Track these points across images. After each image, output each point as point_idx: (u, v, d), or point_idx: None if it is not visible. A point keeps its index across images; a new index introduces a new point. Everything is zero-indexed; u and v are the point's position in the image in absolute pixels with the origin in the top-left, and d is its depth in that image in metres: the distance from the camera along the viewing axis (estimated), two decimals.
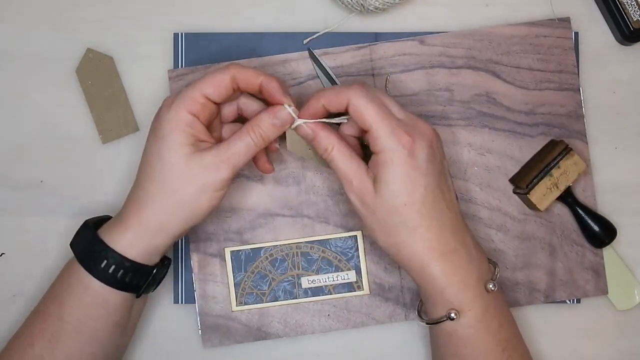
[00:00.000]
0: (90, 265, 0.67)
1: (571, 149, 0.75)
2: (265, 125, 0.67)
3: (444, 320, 0.66)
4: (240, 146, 0.66)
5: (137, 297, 0.70)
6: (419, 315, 0.71)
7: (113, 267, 0.66)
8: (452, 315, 0.65)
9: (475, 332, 0.66)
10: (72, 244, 0.69)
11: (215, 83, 0.67)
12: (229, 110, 0.71)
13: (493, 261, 0.69)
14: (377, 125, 0.64)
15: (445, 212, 0.66)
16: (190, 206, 0.66)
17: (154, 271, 0.69)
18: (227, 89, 0.67)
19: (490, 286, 0.66)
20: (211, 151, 0.66)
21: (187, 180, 0.65)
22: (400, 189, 0.64)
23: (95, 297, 0.67)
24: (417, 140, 0.64)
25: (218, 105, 0.69)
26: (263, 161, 0.72)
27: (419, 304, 0.71)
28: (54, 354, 0.67)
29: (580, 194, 0.77)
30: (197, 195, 0.66)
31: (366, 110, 0.64)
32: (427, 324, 0.68)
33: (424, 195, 0.64)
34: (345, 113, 0.67)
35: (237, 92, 0.69)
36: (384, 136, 0.64)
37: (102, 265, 0.66)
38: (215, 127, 0.71)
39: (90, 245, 0.67)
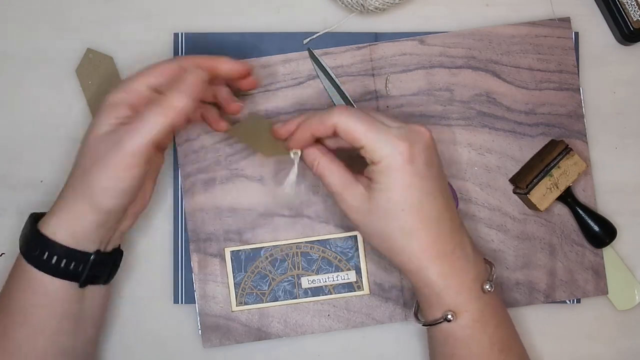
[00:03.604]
0: (28, 253, 0.66)
1: (571, 149, 0.75)
2: (190, 84, 0.65)
3: (440, 322, 0.66)
4: (152, 112, 0.64)
5: (81, 286, 0.68)
6: (416, 316, 0.71)
7: (46, 253, 0.65)
8: (449, 316, 0.65)
9: (472, 333, 0.66)
10: (19, 238, 0.69)
11: (161, 72, 0.67)
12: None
13: (489, 261, 0.69)
14: (370, 138, 0.63)
15: (443, 214, 0.65)
16: (108, 183, 0.65)
17: (91, 257, 0.67)
18: (168, 76, 0.67)
19: (487, 287, 0.66)
20: (125, 126, 0.65)
21: (95, 156, 0.65)
22: (400, 195, 0.64)
23: (36, 285, 0.66)
24: (415, 144, 0.64)
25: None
26: (216, 121, 0.73)
27: (415, 305, 0.71)
28: (5, 347, 0.66)
29: (580, 194, 0.77)
30: (111, 170, 0.64)
31: (355, 127, 0.64)
32: (423, 325, 0.68)
33: (423, 200, 0.64)
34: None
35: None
36: (379, 146, 0.63)
37: (37, 252, 0.66)
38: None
39: (27, 234, 0.67)
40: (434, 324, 0.66)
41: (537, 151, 0.78)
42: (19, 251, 0.68)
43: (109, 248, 0.70)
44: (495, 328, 0.67)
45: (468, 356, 0.66)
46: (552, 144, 0.77)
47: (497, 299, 0.68)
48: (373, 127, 0.64)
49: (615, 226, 0.76)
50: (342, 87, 0.77)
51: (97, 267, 0.68)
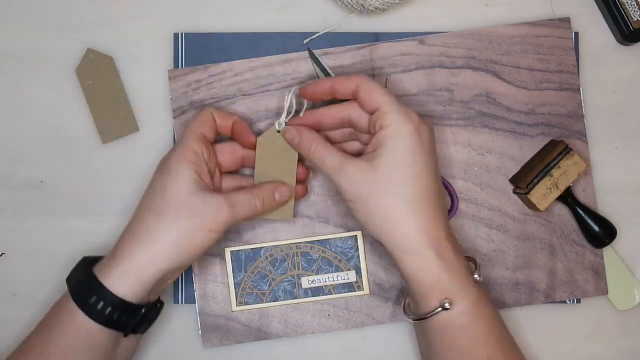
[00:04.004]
0: (80, 300, 0.66)
1: (571, 149, 0.75)
2: (269, 197, 0.71)
3: (437, 312, 0.65)
4: (245, 200, 0.69)
5: (125, 336, 0.68)
6: (405, 312, 0.70)
7: (102, 303, 0.65)
8: (447, 304, 0.64)
9: (470, 320, 0.65)
10: (67, 279, 0.69)
11: (204, 121, 0.71)
12: (227, 160, 0.74)
13: (471, 257, 0.71)
14: (386, 102, 0.66)
15: (439, 199, 0.67)
16: (184, 241, 0.66)
17: (143, 311, 0.68)
18: (214, 126, 0.71)
19: (476, 276, 0.67)
20: (215, 193, 0.68)
21: (186, 213, 0.66)
22: (403, 159, 0.65)
23: (81, 330, 0.66)
24: (422, 123, 0.67)
25: (212, 147, 0.72)
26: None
27: (404, 300, 0.71)
28: None
29: (580, 194, 0.77)
30: (193, 230, 0.66)
31: (376, 89, 0.67)
32: (419, 319, 0.66)
33: (424, 171, 0.66)
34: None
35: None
36: (394, 110, 0.66)
37: (92, 301, 0.65)
38: (213, 175, 0.72)
39: (83, 280, 0.67)
40: (430, 316, 0.65)
41: (537, 151, 0.78)
42: (67, 290, 0.68)
43: (154, 298, 0.70)
44: (490, 317, 0.66)
45: (466, 345, 0.65)
46: (552, 144, 0.77)
47: (486, 292, 0.69)
48: (391, 95, 0.67)
49: (615, 226, 0.76)
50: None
51: (144, 318, 0.69)
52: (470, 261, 0.70)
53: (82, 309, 0.65)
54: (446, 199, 0.76)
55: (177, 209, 0.66)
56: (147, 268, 0.66)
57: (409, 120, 0.66)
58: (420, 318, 0.66)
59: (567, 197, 0.76)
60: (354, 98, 0.69)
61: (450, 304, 0.64)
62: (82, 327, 0.66)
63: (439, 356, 0.67)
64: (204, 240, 0.67)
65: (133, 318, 0.67)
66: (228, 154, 0.73)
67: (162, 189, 0.67)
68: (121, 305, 0.65)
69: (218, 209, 0.67)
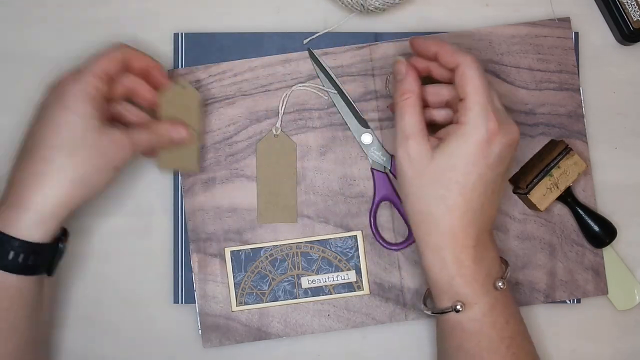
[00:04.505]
0: None
1: (571, 149, 0.75)
2: (166, 134, 0.71)
3: (449, 312, 0.65)
4: (144, 138, 0.69)
5: (50, 275, 0.68)
6: (424, 304, 0.71)
7: (22, 255, 0.64)
8: (458, 307, 0.65)
9: (480, 327, 0.65)
10: None
11: (113, 59, 0.69)
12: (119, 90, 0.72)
13: (505, 260, 0.69)
14: (476, 98, 0.64)
15: (484, 210, 0.65)
16: (95, 180, 0.66)
17: (60, 246, 0.67)
18: (122, 66, 0.70)
19: (499, 284, 0.66)
20: (119, 129, 0.68)
21: (96, 153, 0.66)
22: (461, 165, 0.64)
23: (8, 290, 0.64)
24: (501, 133, 0.64)
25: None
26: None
27: (426, 292, 0.71)
28: None
29: (580, 194, 0.77)
30: (100, 168, 0.66)
31: (472, 80, 0.64)
32: (432, 313, 0.68)
33: (476, 184, 0.64)
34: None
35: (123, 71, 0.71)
36: (475, 111, 0.63)
37: (10, 257, 0.63)
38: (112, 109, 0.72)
39: None
40: (441, 313, 0.66)
41: (537, 151, 0.78)
42: None
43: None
44: (504, 324, 0.66)
45: (475, 349, 0.66)
46: (552, 144, 0.77)
47: (508, 297, 0.68)
48: (486, 92, 0.64)
49: (615, 226, 0.76)
50: (342, 87, 0.78)
51: (58, 252, 0.68)
52: (502, 263, 0.69)
53: (3, 269, 0.63)
54: None
55: (85, 147, 0.65)
56: (56, 209, 0.65)
57: (485, 129, 0.63)
58: (435, 313, 0.67)
59: (567, 197, 0.76)
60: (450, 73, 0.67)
61: (462, 306, 0.65)
62: (9, 286, 0.64)
63: (448, 354, 0.68)
64: (109, 178, 0.67)
65: (52, 257, 0.67)
66: (131, 87, 0.72)
67: (69, 128, 0.65)
68: (40, 249, 0.65)
69: (122, 146, 0.67)
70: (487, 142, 0.63)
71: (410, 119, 0.66)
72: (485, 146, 0.63)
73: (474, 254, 0.65)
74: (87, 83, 0.67)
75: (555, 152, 0.75)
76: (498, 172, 0.65)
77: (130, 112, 0.73)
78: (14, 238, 0.64)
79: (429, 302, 0.70)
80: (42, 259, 0.66)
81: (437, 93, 0.69)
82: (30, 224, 0.64)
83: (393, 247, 0.76)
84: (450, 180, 0.64)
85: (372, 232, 0.76)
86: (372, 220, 0.76)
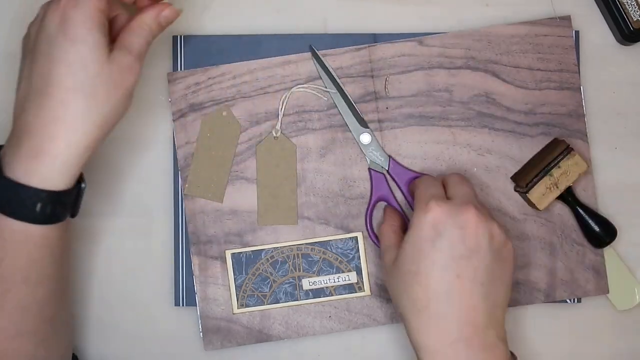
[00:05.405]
0: (20, 214, 0.61)
1: (572, 149, 0.75)
2: (155, 23, 0.67)
3: None
4: (142, 43, 0.66)
5: (73, 216, 0.66)
6: None
7: (49, 206, 0.61)
8: None
9: None
10: None
11: None
12: None
13: (514, 355, 0.67)
14: (417, 196, 0.68)
15: (457, 299, 0.63)
16: (116, 115, 0.64)
17: (82, 186, 0.65)
18: None
19: None
20: (122, 50, 0.64)
21: (113, 87, 0.63)
22: (408, 254, 0.65)
23: (38, 240, 0.62)
24: (452, 219, 0.64)
25: None
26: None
27: None
28: (4, 307, 0.62)
29: (581, 194, 0.77)
30: (123, 101, 0.64)
31: (416, 187, 0.71)
32: None
33: (431, 271, 0.63)
34: None
35: None
36: (417, 202, 0.68)
37: (38, 210, 0.61)
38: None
39: (11, 194, 0.61)
40: None
41: (537, 150, 0.78)
42: None
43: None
44: None
45: None
46: (554, 143, 0.76)
47: None
48: (427, 192, 0.68)
49: (616, 226, 0.76)
50: (342, 86, 0.77)
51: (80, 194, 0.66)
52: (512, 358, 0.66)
53: (30, 222, 0.61)
54: None
55: (102, 84, 0.62)
56: (82, 154, 0.62)
57: (424, 215, 0.64)
58: None
59: (568, 197, 0.76)
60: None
61: None
62: (39, 237, 0.62)
63: None
64: (126, 107, 0.65)
65: (76, 199, 0.65)
66: None
67: (83, 65, 0.61)
68: (66, 196, 0.63)
69: (131, 69, 0.64)
70: (432, 227, 0.64)
71: (383, 239, 0.72)
72: (429, 231, 0.64)
73: (466, 347, 0.62)
74: (88, 6, 0.61)
75: (556, 152, 0.75)
76: (454, 257, 0.63)
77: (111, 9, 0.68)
78: (40, 190, 0.61)
79: None
80: (68, 206, 0.64)
81: None
82: (56, 174, 0.61)
83: None
84: (406, 273, 0.65)
85: (368, 232, 0.76)
86: (368, 220, 0.76)
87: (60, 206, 0.63)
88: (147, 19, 0.67)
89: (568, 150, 0.75)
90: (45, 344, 0.66)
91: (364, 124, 0.77)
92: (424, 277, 0.64)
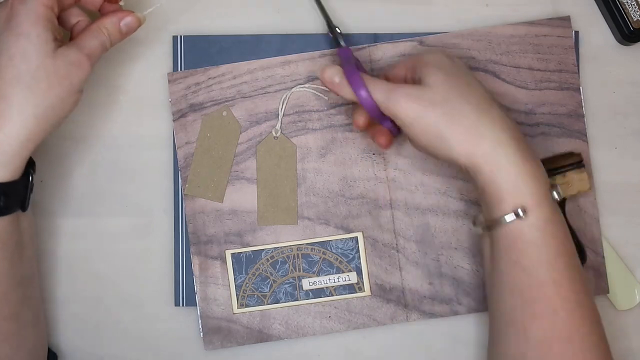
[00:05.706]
0: None
1: (583, 165, 0.75)
2: (116, 31, 0.69)
3: (510, 221, 0.62)
4: (97, 44, 0.67)
5: (24, 210, 0.66)
6: (474, 224, 0.68)
7: None
8: (520, 212, 0.61)
9: (541, 236, 0.62)
10: None
11: None
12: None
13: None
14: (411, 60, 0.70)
15: (497, 105, 0.67)
16: (59, 109, 0.64)
17: (31, 179, 0.65)
18: None
19: (555, 194, 0.64)
20: (72, 47, 0.65)
21: (56, 81, 0.63)
22: (446, 78, 0.66)
23: None
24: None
25: None
26: None
27: (474, 217, 0.69)
28: None
29: (581, 194, 0.77)
30: (68, 95, 0.64)
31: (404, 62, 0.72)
32: (487, 230, 0.64)
33: (472, 80, 0.68)
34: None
35: None
36: (424, 55, 0.69)
37: None
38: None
39: None
40: (501, 221, 0.62)
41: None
42: None
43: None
44: (563, 239, 0.63)
45: (533, 264, 0.62)
46: (571, 153, 0.76)
47: (561, 214, 0.64)
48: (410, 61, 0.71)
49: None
50: (328, 14, 0.77)
51: (32, 186, 0.67)
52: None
53: None
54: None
55: (44, 77, 0.62)
56: (23, 146, 0.63)
57: (438, 53, 0.69)
58: (490, 225, 0.64)
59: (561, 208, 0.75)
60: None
61: (524, 212, 0.61)
62: None
63: (503, 273, 0.64)
64: (73, 103, 0.66)
65: (24, 192, 0.65)
66: None
67: (25, 58, 0.62)
68: (11, 188, 0.63)
69: (80, 65, 0.65)
70: (449, 58, 0.69)
71: (377, 87, 0.67)
72: (449, 61, 0.69)
73: (528, 146, 0.64)
74: (34, 2, 0.63)
75: (568, 160, 0.75)
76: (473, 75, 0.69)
77: (72, 15, 0.70)
78: None
79: (479, 222, 0.67)
80: (14, 198, 0.64)
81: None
82: None
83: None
84: (448, 90, 0.66)
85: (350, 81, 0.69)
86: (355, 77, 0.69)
87: (5, 198, 0.63)
88: (107, 23, 0.68)
89: (580, 164, 0.75)
90: (10, 342, 0.67)
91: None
92: (474, 86, 0.67)
